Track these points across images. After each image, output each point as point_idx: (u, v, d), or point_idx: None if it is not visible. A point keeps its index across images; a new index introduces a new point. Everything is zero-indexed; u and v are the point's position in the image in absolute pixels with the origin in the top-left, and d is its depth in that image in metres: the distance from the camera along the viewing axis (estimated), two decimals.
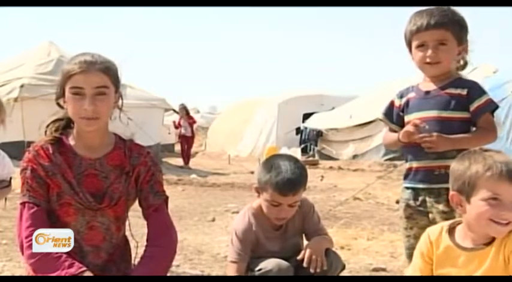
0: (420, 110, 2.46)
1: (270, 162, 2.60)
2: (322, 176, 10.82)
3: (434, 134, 2.35)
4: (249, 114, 18.82)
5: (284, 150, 14.39)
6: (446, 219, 2.35)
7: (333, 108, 16.87)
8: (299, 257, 2.55)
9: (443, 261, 1.88)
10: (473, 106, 2.39)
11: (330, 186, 9.28)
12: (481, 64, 12.24)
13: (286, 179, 2.49)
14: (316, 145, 15.99)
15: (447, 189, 2.33)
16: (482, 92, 2.42)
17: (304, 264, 2.51)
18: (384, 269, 3.78)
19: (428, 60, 2.41)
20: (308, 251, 2.55)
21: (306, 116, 17.15)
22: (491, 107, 2.41)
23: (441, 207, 2.39)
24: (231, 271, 2.56)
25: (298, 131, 16.98)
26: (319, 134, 15.86)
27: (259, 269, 2.52)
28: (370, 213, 6.32)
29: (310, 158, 15.19)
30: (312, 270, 2.51)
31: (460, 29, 2.41)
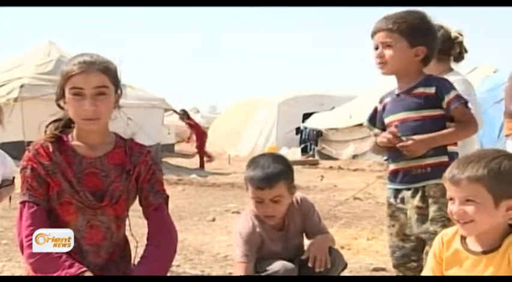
0: (393, 113, 2.51)
1: (253, 161, 2.66)
2: (322, 176, 10.83)
3: (410, 141, 2.38)
4: (249, 114, 18.83)
5: (284, 150, 14.42)
6: (419, 214, 2.41)
7: (333, 108, 16.88)
8: (303, 257, 2.56)
9: (451, 263, 1.89)
10: (444, 102, 2.40)
11: (329, 186, 9.28)
12: (481, 64, 12.24)
13: (260, 173, 2.54)
14: (316, 145, 16.00)
15: (424, 186, 2.41)
16: (450, 88, 2.42)
17: (309, 264, 2.52)
18: (383, 269, 3.78)
19: (377, 60, 2.49)
20: (312, 250, 2.56)
21: (306, 116, 17.16)
22: (460, 100, 2.41)
23: (416, 202, 2.42)
24: (240, 271, 2.56)
25: (298, 131, 16.99)
26: (319, 133, 15.87)
27: (265, 271, 2.54)
28: (370, 213, 6.32)
29: (310, 158, 15.22)
30: (316, 270, 2.51)
31: (410, 30, 2.44)
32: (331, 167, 13.31)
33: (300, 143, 16.52)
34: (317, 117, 16.66)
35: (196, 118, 22.20)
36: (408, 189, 2.46)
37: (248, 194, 2.67)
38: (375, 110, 2.65)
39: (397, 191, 2.51)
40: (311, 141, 16.19)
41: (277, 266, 2.52)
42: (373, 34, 2.51)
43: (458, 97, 2.41)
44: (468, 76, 2.85)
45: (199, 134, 14.31)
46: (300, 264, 2.58)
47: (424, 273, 2.00)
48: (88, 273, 2.04)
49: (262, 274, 2.54)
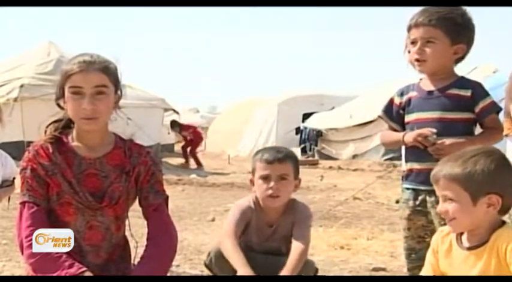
0: (422, 111, 2.45)
1: (260, 149, 2.79)
2: (322, 176, 10.81)
3: (447, 142, 2.34)
4: (249, 114, 18.80)
5: None
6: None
7: (333, 108, 16.86)
8: None
9: (445, 258, 1.91)
10: (478, 107, 2.38)
11: (329, 186, 9.27)
12: (481, 64, 12.24)
13: (271, 148, 2.73)
14: (316, 145, 15.98)
15: None
16: (486, 94, 2.41)
17: None
18: (383, 269, 3.78)
19: (415, 56, 2.42)
20: None
21: (306, 116, 17.14)
22: (496, 108, 2.41)
23: None
24: (224, 240, 2.58)
25: (298, 131, 16.97)
26: (319, 133, 15.85)
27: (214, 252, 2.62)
28: (369, 213, 6.32)
29: (310, 158, 15.19)
30: None
31: (453, 27, 2.38)
32: (331, 167, 13.29)
33: (300, 143, 16.49)
34: (317, 117, 16.64)
35: (196, 118, 22.16)
36: (430, 192, 2.40)
37: (253, 193, 2.70)
38: (391, 101, 2.59)
39: (416, 193, 2.47)
40: (311, 141, 16.16)
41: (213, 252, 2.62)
42: (412, 28, 2.42)
43: (494, 105, 2.39)
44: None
45: (196, 136, 14.05)
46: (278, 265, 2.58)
47: (423, 271, 2.01)
48: (88, 273, 2.04)
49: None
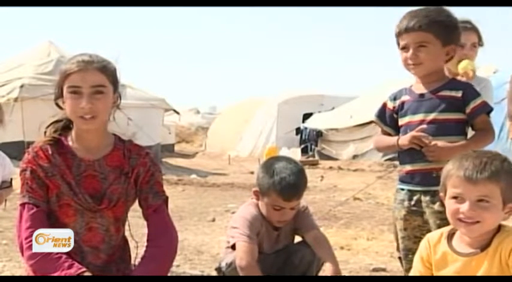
0: (415, 113, 2.47)
1: (271, 167, 2.62)
2: (322, 176, 10.82)
3: (439, 144, 2.35)
4: (249, 114, 18.80)
5: (284, 151, 14.41)
6: (441, 219, 2.35)
7: (333, 108, 16.86)
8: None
9: (440, 266, 1.88)
10: (468, 108, 2.40)
11: (329, 186, 9.27)
12: (481, 64, 12.22)
13: (290, 184, 2.54)
14: (316, 145, 15.98)
15: None
16: (477, 94, 2.43)
17: None
18: (383, 269, 3.79)
19: (409, 61, 2.43)
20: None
21: (306, 116, 17.14)
22: (486, 108, 2.42)
23: (436, 207, 2.39)
24: (246, 252, 2.50)
25: (298, 131, 16.97)
26: (319, 134, 15.85)
27: (228, 264, 2.56)
28: (370, 213, 6.32)
29: (310, 158, 15.19)
30: None
31: (444, 29, 2.40)
32: (331, 167, 13.29)
33: (300, 143, 16.49)
34: (317, 117, 16.65)
35: (196, 118, 22.12)
36: (425, 192, 2.42)
37: (254, 197, 2.69)
38: (384, 106, 2.61)
39: (411, 193, 2.48)
40: (311, 141, 16.17)
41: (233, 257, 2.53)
42: (402, 33, 2.42)
43: (485, 105, 2.40)
44: None
45: None
46: (285, 263, 2.61)
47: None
48: (87, 274, 2.04)
49: (224, 268, 2.59)
